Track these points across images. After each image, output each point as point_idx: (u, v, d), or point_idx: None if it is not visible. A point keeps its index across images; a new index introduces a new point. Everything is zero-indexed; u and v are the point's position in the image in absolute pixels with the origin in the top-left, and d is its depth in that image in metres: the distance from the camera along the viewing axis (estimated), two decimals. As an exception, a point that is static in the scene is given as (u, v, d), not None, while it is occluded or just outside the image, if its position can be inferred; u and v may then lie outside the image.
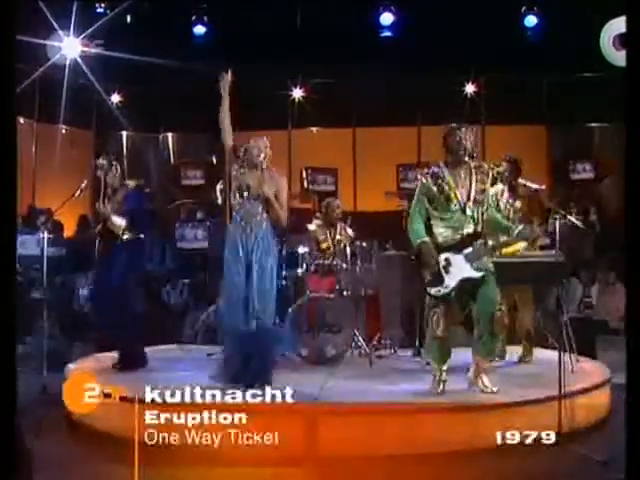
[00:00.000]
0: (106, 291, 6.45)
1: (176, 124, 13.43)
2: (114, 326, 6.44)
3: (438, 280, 5.30)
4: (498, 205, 6.14)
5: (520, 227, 5.48)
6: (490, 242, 5.39)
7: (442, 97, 12.11)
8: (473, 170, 5.37)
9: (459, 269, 5.28)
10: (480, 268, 5.30)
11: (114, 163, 6.49)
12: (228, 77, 6.03)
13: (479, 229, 5.36)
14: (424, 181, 5.39)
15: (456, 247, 5.30)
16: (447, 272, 5.29)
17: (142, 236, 6.43)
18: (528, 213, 6.39)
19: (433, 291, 5.34)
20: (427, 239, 5.31)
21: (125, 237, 6.33)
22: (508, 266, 5.72)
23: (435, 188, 5.34)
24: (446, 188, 5.32)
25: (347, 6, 11.66)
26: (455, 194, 5.31)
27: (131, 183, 6.55)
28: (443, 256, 5.30)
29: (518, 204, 6.44)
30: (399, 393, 5.48)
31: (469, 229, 5.34)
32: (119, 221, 6.33)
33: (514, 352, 6.59)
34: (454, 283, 5.29)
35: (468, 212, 5.32)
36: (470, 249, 5.30)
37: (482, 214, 5.37)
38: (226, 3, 11.91)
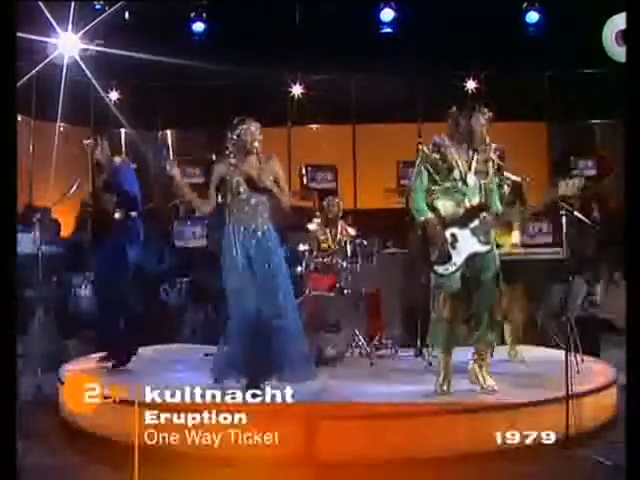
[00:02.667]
0: (103, 274, 6.39)
1: (175, 121, 13.38)
2: (110, 311, 6.37)
3: (445, 257, 5.17)
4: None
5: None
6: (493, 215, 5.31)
7: (442, 94, 12.03)
8: (474, 142, 5.27)
9: (466, 244, 5.18)
10: (487, 242, 5.22)
11: (100, 140, 6.41)
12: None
13: (483, 200, 5.26)
14: (425, 150, 5.27)
15: (461, 221, 5.20)
16: (454, 248, 5.17)
17: (134, 214, 6.34)
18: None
19: (441, 269, 5.20)
20: (431, 215, 5.19)
21: (117, 215, 6.26)
22: (512, 264, 5.66)
23: (437, 156, 5.23)
24: (449, 157, 5.21)
25: (347, 2, 11.62)
26: (457, 163, 5.22)
27: (118, 159, 6.48)
28: (449, 232, 5.18)
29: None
30: (400, 394, 5.41)
31: (473, 201, 5.24)
32: (111, 197, 6.25)
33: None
34: (462, 259, 5.17)
35: (470, 183, 5.22)
36: (476, 222, 5.20)
37: (484, 185, 5.27)
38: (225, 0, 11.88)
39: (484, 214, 5.23)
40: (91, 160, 6.36)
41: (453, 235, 5.19)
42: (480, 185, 5.26)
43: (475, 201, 5.24)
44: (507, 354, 6.53)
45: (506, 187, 6.33)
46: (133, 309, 6.58)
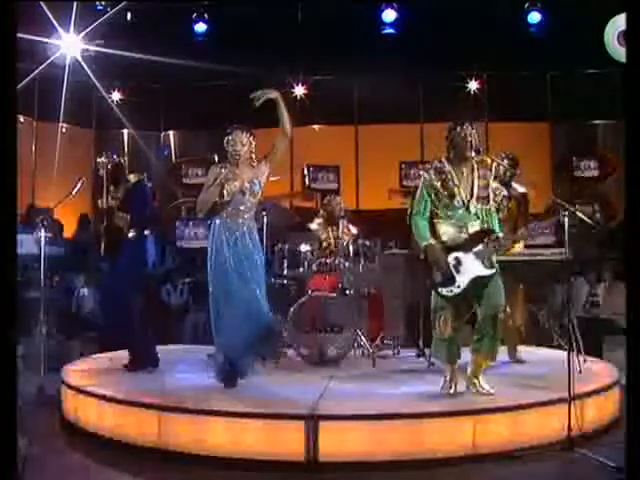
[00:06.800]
0: (112, 290, 6.37)
1: (177, 122, 13.40)
2: (121, 325, 6.35)
3: (449, 280, 5.20)
4: (498, 206, 6.03)
5: (521, 231, 5.54)
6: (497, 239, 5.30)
7: (445, 94, 12.07)
8: (475, 165, 5.29)
9: (470, 267, 5.19)
10: (491, 265, 5.23)
11: (116, 158, 6.42)
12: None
13: (485, 226, 5.28)
14: (427, 176, 5.29)
15: (465, 246, 5.21)
16: (458, 271, 5.20)
17: (147, 232, 6.35)
18: (515, 215, 6.34)
19: (445, 291, 5.23)
20: (433, 241, 5.22)
21: (130, 234, 6.27)
22: (514, 265, 5.65)
23: (438, 183, 5.25)
24: (450, 184, 5.23)
25: (349, 3, 11.62)
26: (459, 190, 5.23)
27: (133, 177, 6.49)
28: (453, 255, 5.21)
29: (510, 205, 6.36)
30: (402, 394, 5.40)
31: (474, 227, 5.25)
32: (125, 215, 6.27)
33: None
34: (466, 282, 5.19)
35: (472, 209, 5.24)
36: (480, 246, 5.21)
37: (486, 210, 5.28)
38: (227, 0, 11.88)
39: (487, 239, 5.24)
40: (106, 177, 6.36)
41: (457, 259, 5.22)
42: (482, 211, 5.28)
43: (477, 226, 5.26)
44: (507, 354, 6.53)
45: (504, 201, 6.32)
46: (148, 313, 6.58)
